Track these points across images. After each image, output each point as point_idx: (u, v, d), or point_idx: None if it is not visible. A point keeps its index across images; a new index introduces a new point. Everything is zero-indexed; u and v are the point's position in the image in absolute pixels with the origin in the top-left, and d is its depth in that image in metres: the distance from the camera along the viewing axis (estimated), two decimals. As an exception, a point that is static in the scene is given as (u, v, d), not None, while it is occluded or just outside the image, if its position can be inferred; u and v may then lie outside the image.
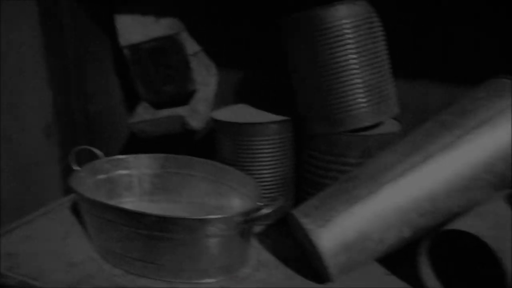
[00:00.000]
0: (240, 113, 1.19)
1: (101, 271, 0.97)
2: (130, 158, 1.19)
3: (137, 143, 1.44)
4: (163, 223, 0.88)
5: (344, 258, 0.87)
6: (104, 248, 0.99)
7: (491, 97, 0.97)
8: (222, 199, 1.13)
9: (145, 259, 0.93)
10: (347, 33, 0.98)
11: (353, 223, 0.87)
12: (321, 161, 1.05)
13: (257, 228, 1.13)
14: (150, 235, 0.90)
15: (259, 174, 1.12)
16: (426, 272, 0.89)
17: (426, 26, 1.14)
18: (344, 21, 0.98)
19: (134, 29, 1.23)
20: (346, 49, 0.98)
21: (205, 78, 1.27)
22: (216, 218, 0.87)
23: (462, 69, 1.14)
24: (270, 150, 1.11)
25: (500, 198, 0.95)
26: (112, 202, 1.11)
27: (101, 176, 1.17)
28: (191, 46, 1.22)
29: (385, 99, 1.03)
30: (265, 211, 0.89)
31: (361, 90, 1.00)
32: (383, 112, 1.03)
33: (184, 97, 1.25)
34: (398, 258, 0.94)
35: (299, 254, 1.00)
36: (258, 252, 1.04)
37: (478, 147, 0.91)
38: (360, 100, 1.00)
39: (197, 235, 0.88)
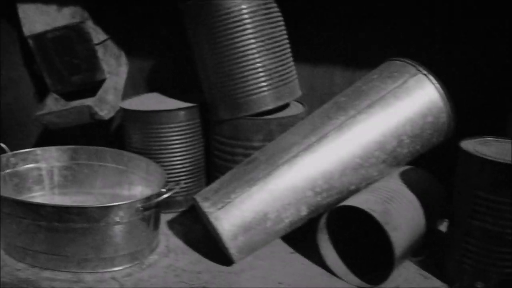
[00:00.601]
0: (150, 102, 1.18)
1: (5, 266, 0.94)
2: (38, 151, 1.16)
3: (51, 136, 1.41)
4: (60, 213, 0.87)
5: (244, 239, 0.89)
6: (6, 243, 0.97)
7: (383, 78, 1.01)
8: (133, 188, 1.12)
9: (48, 251, 0.92)
10: (245, 19, 0.99)
11: (251, 204, 0.89)
12: (227, 146, 1.07)
13: (170, 215, 1.13)
14: (50, 227, 0.89)
15: (169, 161, 1.13)
16: (325, 248, 0.93)
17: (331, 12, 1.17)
18: (241, 6, 0.99)
19: (37, 18, 1.20)
20: (245, 35, 1.00)
21: (114, 67, 1.26)
22: (113, 206, 0.87)
23: (365, 52, 1.18)
24: (178, 137, 1.12)
25: (394, 174, 1.00)
26: (21, 197, 1.09)
27: (8, 171, 1.13)
28: (97, 34, 1.20)
29: (286, 83, 1.06)
30: (165, 196, 0.90)
31: (261, 75, 1.02)
32: (285, 95, 1.05)
33: (94, 87, 1.23)
34: (301, 236, 0.97)
35: (207, 238, 1.01)
36: (167, 239, 1.04)
37: (370, 126, 0.94)
38: (260, 84, 1.02)
39: (97, 224, 0.88)
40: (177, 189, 0.92)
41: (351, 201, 0.87)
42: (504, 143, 0.87)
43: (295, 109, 1.11)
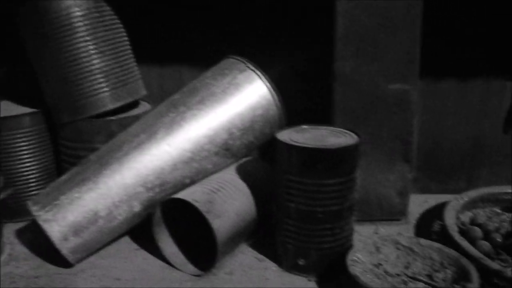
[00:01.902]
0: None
1: None
2: None
3: None
4: None
5: (76, 239, 0.90)
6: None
7: (215, 75, 1.06)
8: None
9: None
10: (75, 22, 1.00)
11: (80, 205, 0.90)
12: (71, 149, 1.07)
13: (22, 224, 1.12)
14: None
15: (15, 168, 1.11)
16: (162, 240, 0.96)
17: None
18: (70, 10, 1.00)
19: None
20: (76, 38, 1.01)
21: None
22: None
23: (213, 52, 1.22)
24: (23, 143, 1.11)
25: (232, 166, 1.05)
26: None
27: None
28: None
29: (125, 83, 1.08)
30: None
31: (97, 76, 1.03)
32: (124, 95, 1.07)
33: None
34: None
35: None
36: (12, 247, 1.03)
37: (200, 121, 0.99)
38: (97, 86, 1.03)
39: None
40: (4, 195, 0.91)
41: (179, 194, 0.91)
42: (319, 130, 0.94)
43: (142, 109, 1.13)
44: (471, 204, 1.14)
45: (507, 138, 1.25)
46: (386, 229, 1.09)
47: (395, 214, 1.12)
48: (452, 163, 1.26)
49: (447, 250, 0.90)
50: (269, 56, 1.16)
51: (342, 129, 0.95)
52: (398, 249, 0.94)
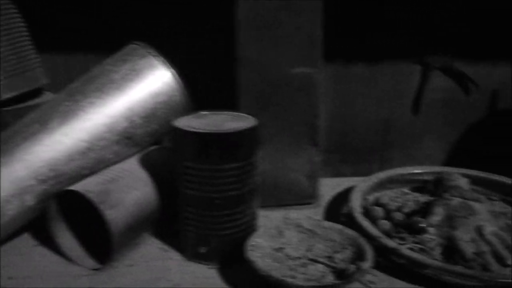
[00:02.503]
0: None
1: None
2: None
3: None
4: None
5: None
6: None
7: (116, 62, 1.02)
8: None
9: None
10: (-42, 8, 0.94)
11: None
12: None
13: None
14: None
15: None
16: (59, 235, 0.92)
17: None
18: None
19: None
20: (-39, 25, 0.95)
21: None
22: None
23: (120, 40, 1.18)
24: None
25: (137, 155, 1.02)
26: None
27: None
28: None
29: (22, 72, 1.03)
30: None
31: (-12, 66, 0.97)
32: (21, 84, 1.03)
33: None
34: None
35: None
36: None
37: (97, 109, 0.95)
38: (-12, 75, 0.98)
39: None
40: None
41: (72, 186, 0.87)
42: (220, 115, 0.93)
43: (44, 98, 1.08)
44: (380, 186, 1.16)
45: (417, 119, 1.27)
46: (297, 214, 1.09)
47: (306, 198, 1.12)
48: (365, 145, 1.28)
49: (347, 231, 0.91)
50: (175, 41, 1.14)
51: (243, 114, 0.93)
52: (301, 232, 0.94)
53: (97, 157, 0.94)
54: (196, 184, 0.86)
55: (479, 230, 0.95)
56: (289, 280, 0.78)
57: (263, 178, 1.06)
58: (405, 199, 1.13)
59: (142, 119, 0.98)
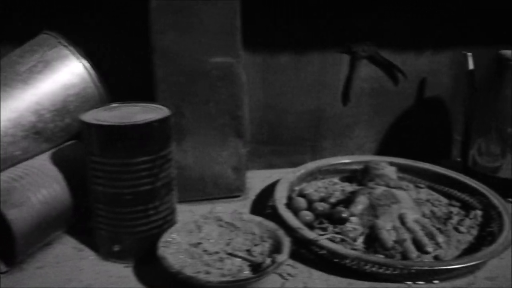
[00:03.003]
0: None
1: None
2: None
3: None
4: None
5: None
6: None
7: (24, 52, 0.96)
8: None
9: None
10: None
11: None
12: None
13: None
14: None
15: None
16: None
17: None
18: None
19: None
20: None
21: None
22: None
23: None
24: None
25: (49, 151, 0.96)
26: None
27: None
28: None
29: None
30: None
31: None
32: None
33: None
34: None
35: None
36: None
37: (1, 103, 0.89)
38: None
39: None
40: None
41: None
42: (132, 107, 0.89)
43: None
44: (310, 176, 1.15)
45: (347, 109, 1.26)
46: (223, 207, 1.06)
47: (233, 191, 1.09)
48: (296, 136, 1.26)
49: (267, 223, 0.89)
50: (89, 30, 1.09)
51: (158, 106, 0.90)
52: (220, 226, 0.91)
53: (3, 154, 0.88)
54: (104, 179, 0.82)
55: (401, 218, 0.94)
56: (201, 276, 0.75)
57: (187, 172, 1.03)
58: (333, 189, 1.12)
59: (52, 113, 0.93)
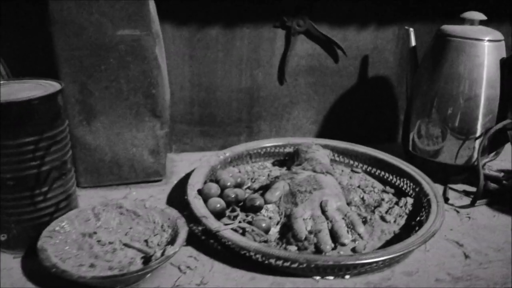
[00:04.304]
0: None
1: None
2: None
3: None
4: None
5: None
6: None
7: None
8: None
9: None
10: None
11: None
12: None
13: None
14: None
15: None
16: None
17: None
18: None
19: None
20: None
21: None
22: None
23: None
24: None
25: None
26: None
27: None
28: None
29: None
30: None
31: None
32: None
33: None
34: None
35: None
36: None
37: None
38: None
39: None
40: None
41: None
42: (20, 84, 0.81)
43: None
44: (237, 160, 1.07)
45: (284, 88, 1.18)
46: (140, 192, 0.99)
47: (151, 175, 1.02)
48: (230, 117, 1.18)
49: (169, 211, 0.82)
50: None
51: (53, 82, 0.81)
52: (121, 214, 0.84)
53: None
54: (-19, 163, 0.73)
55: (322, 206, 0.87)
56: (74, 270, 0.68)
57: (99, 154, 0.96)
58: (260, 173, 1.04)
59: None
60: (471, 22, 1.03)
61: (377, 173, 1.06)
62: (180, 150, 1.17)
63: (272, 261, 0.73)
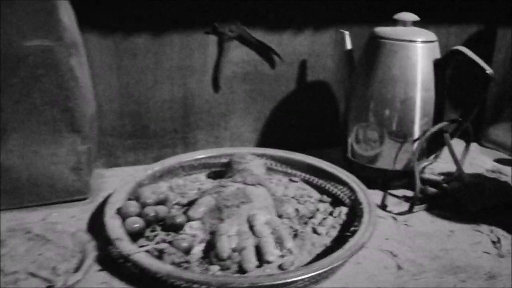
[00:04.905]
0: None
1: None
2: None
3: None
4: None
5: None
6: None
7: None
8: None
9: None
10: None
11: None
12: None
13: None
14: None
15: None
16: None
17: None
18: None
19: None
20: None
21: None
22: None
23: None
24: None
25: None
26: None
27: None
28: None
29: None
30: None
31: None
32: None
33: None
34: None
35: None
36: None
37: None
38: None
39: None
40: None
41: None
42: None
43: None
44: (168, 174, 1.02)
45: (219, 96, 1.14)
46: (61, 213, 0.93)
47: (74, 194, 0.96)
48: (164, 128, 1.13)
49: (80, 234, 0.76)
50: None
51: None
52: (30, 239, 0.77)
53: None
54: None
55: (250, 221, 0.82)
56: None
57: (14, 174, 0.89)
58: (190, 187, 0.99)
59: None
60: (404, 23, 1.00)
61: (314, 182, 1.02)
62: (111, 164, 1.11)
63: (186, 286, 0.68)
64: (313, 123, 1.21)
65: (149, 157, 1.14)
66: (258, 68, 1.13)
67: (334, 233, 0.86)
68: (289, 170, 1.06)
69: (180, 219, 0.80)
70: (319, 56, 1.16)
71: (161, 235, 0.79)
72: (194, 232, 0.82)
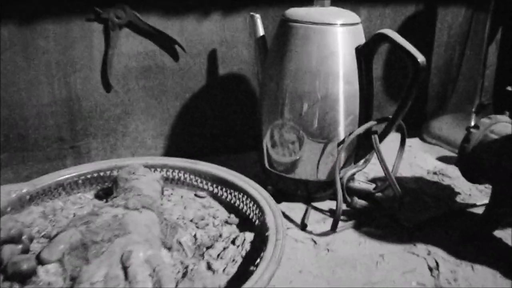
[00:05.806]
0: None
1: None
2: None
3: None
4: None
5: None
6: None
7: None
8: None
9: None
10: None
11: None
12: None
13: None
14: None
15: None
16: None
17: None
18: None
19: None
20: None
21: None
22: None
23: None
24: None
25: None
26: None
27: None
28: None
29: None
30: None
31: None
32: None
33: None
34: None
35: None
36: None
37: None
38: None
39: None
40: None
41: None
42: None
43: None
44: (42, 195, 0.82)
45: (112, 96, 0.95)
46: None
47: None
48: (46, 136, 0.94)
49: None
50: None
51: None
52: None
53: None
54: None
55: (124, 260, 0.64)
56: None
57: None
58: (67, 212, 0.81)
59: None
60: (321, 2, 0.82)
61: (223, 197, 0.85)
62: (-16, 182, 0.91)
63: None
64: (231, 123, 1.03)
65: (31, 172, 0.95)
66: (157, 62, 0.95)
67: (233, 269, 0.69)
68: (197, 183, 0.88)
69: (27, 264, 0.62)
70: (231, 44, 0.98)
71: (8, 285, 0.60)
72: (50, 279, 0.63)
